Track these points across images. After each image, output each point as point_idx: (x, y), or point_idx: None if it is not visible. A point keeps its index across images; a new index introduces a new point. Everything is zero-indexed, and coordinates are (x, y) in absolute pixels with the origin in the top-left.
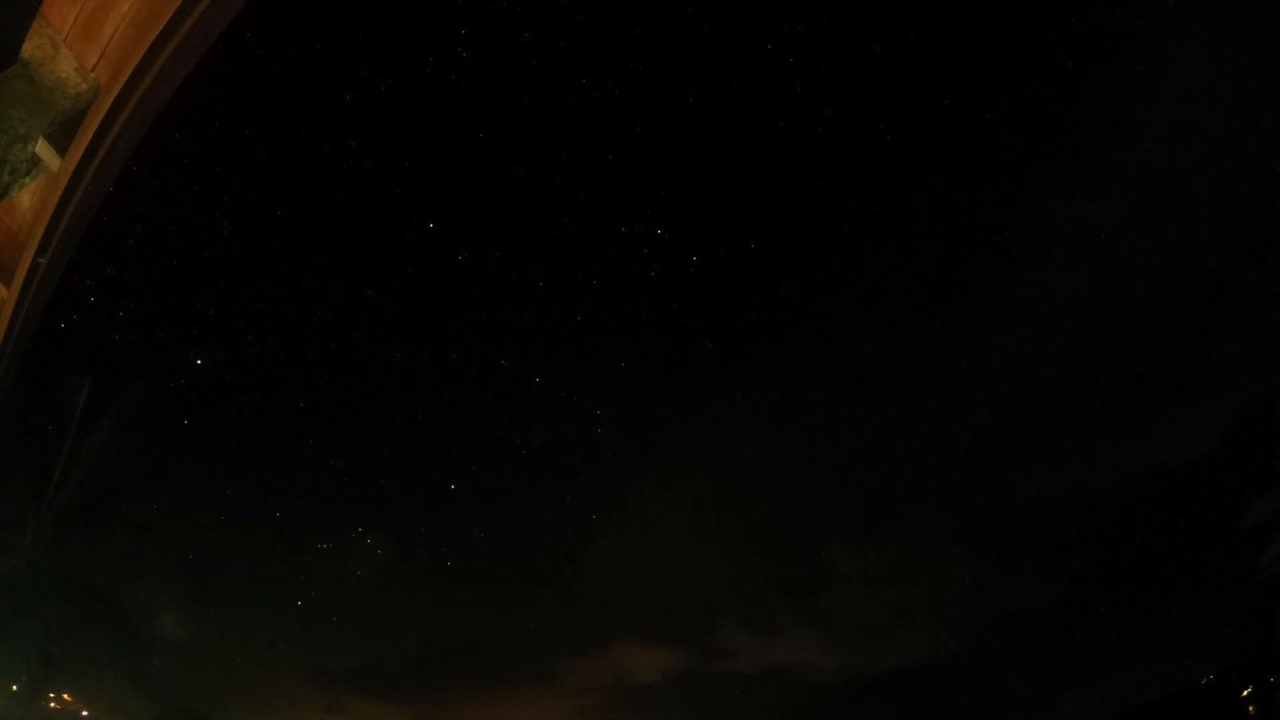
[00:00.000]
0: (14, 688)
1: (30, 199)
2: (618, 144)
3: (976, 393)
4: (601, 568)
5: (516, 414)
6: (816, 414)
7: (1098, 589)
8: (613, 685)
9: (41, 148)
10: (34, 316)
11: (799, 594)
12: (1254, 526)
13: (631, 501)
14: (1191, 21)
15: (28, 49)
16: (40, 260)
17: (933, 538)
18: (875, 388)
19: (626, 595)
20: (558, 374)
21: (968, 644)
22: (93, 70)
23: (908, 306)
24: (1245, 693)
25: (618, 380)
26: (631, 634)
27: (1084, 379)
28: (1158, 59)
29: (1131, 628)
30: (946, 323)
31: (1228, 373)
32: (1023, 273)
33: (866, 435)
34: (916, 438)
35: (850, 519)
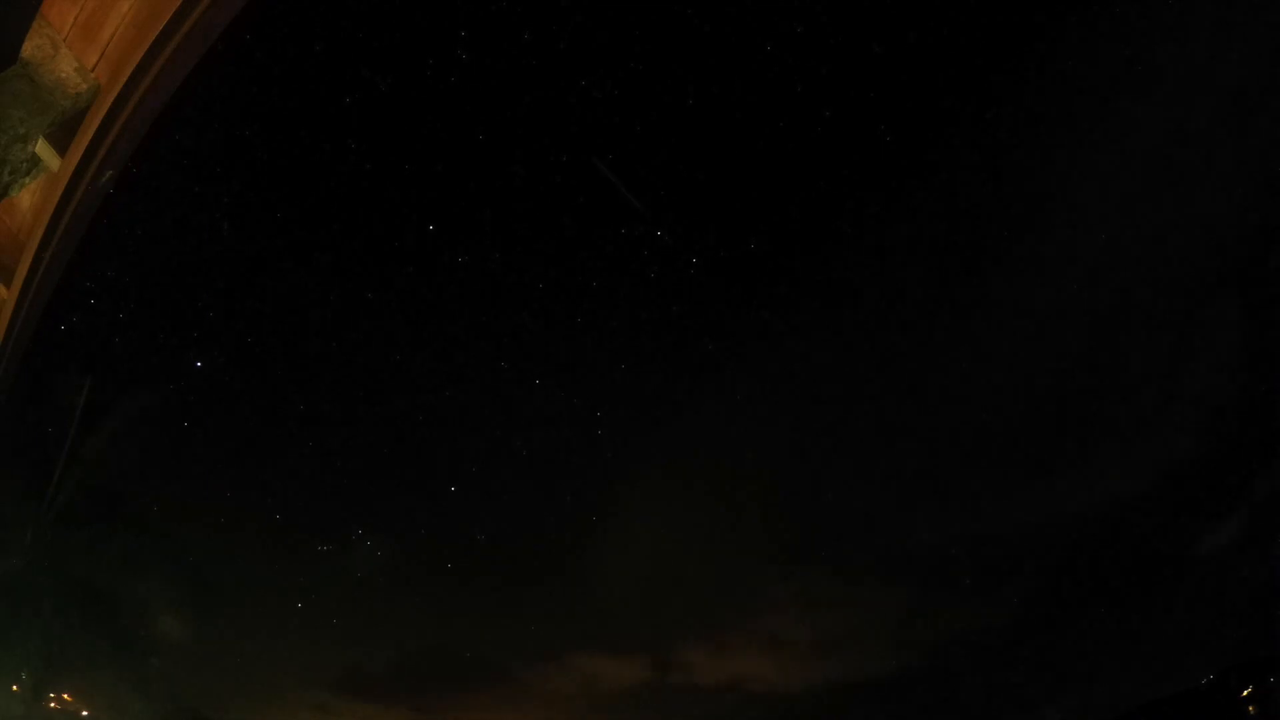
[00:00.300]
0: (14, 688)
1: (30, 199)
2: (617, 145)
3: (935, 426)
4: (595, 572)
5: (516, 416)
6: (799, 427)
7: (1048, 611)
8: (607, 690)
9: (41, 148)
10: (34, 316)
11: (749, 610)
12: (1207, 553)
13: (626, 505)
14: (1190, 22)
15: (28, 49)
16: (40, 260)
17: (883, 561)
18: (850, 405)
19: (615, 602)
20: (557, 376)
21: (928, 660)
22: (93, 70)
23: (898, 317)
24: (1245, 693)
25: (617, 382)
26: (616, 642)
27: (1031, 414)
28: (1156, 60)
29: (1081, 650)
30: (927, 340)
31: (1157, 416)
32: (1002, 291)
33: (830, 459)
34: (868, 467)
35: (807, 539)
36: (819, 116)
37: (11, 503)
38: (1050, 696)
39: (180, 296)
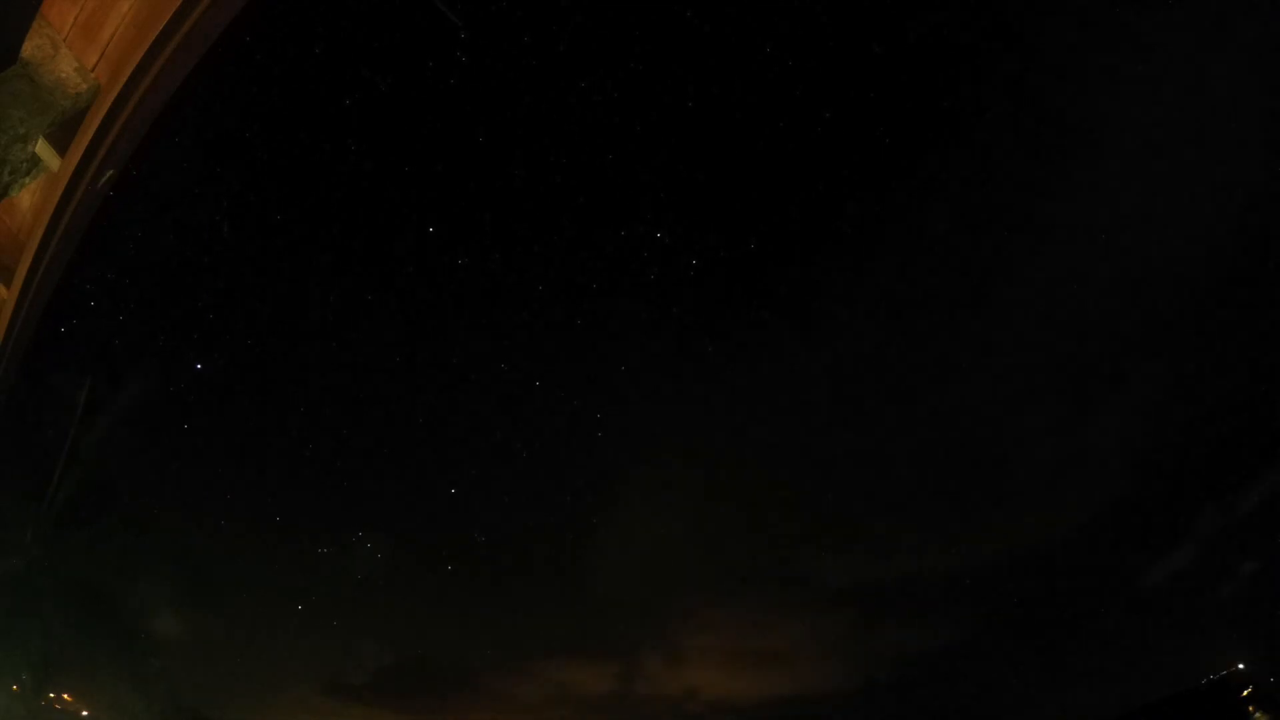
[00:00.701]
0: (14, 688)
1: (30, 199)
2: (617, 146)
3: (929, 439)
4: (590, 577)
5: (516, 417)
6: (793, 435)
7: (1047, 615)
8: (596, 696)
9: (41, 148)
10: (34, 316)
11: (743, 621)
12: (1154, 585)
13: (624, 509)
14: (1191, 21)
15: (28, 49)
16: (40, 260)
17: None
18: (841, 414)
19: (608, 606)
20: (557, 377)
21: (927, 665)
22: (93, 70)
23: (891, 325)
24: (1245, 693)
25: (617, 384)
26: (605, 648)
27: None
28: (1156, 59)
29: (1080, 651)
30: (922, 348)
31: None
32: (997, 302)
33: (821, 468)
34: (854, 481)
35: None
36: (819, 117)
37: (11, 503)
38: (1050, 697)
39: (180, 297)
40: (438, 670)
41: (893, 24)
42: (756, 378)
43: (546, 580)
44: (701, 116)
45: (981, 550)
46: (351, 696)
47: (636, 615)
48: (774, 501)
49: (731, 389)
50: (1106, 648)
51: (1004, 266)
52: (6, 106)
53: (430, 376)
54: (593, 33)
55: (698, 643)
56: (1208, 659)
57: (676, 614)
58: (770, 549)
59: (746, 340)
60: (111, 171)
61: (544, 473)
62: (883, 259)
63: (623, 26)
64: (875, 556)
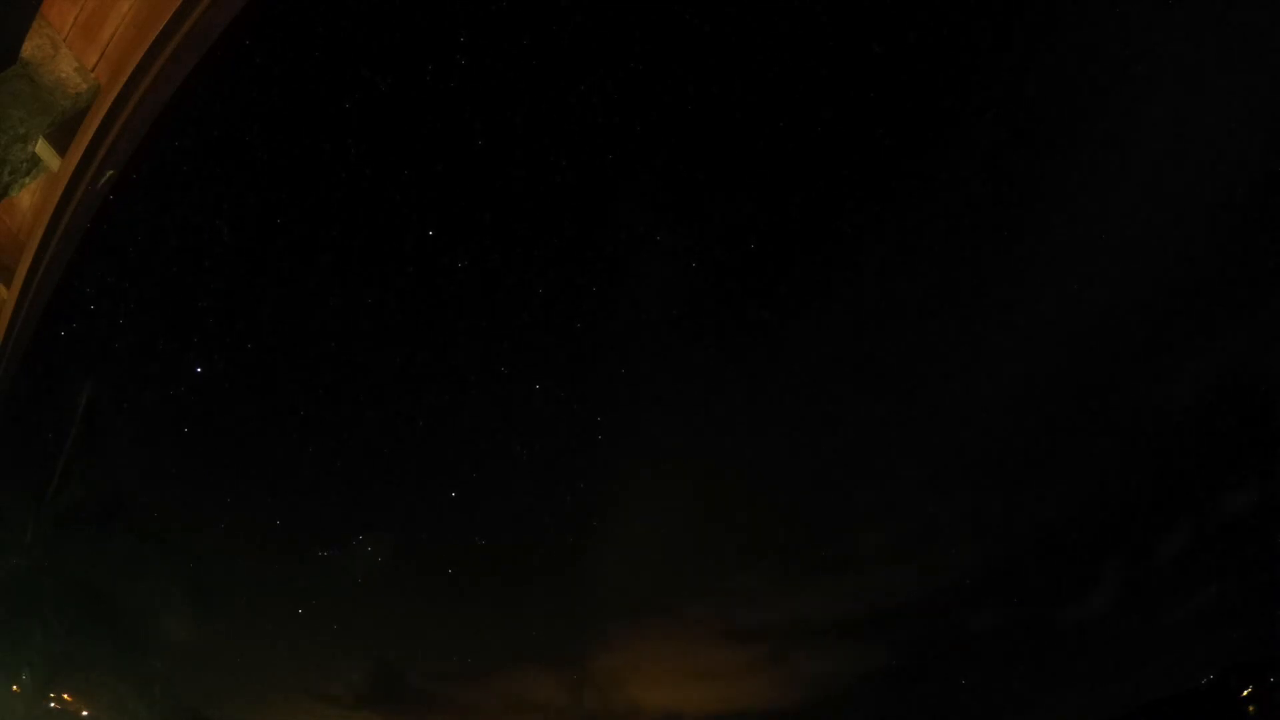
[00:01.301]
0: (14, 688)
1: (30, 199)
2: (617, 146)
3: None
4: (576, 584)
5: (516, 420)
6: (791, 439)
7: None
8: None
9: (41, 148)
10: (34, 316)
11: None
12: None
13: (624, 511)
14: (1191, 20)
15: (28, 49)
16: (40, 260)
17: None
18: (836, 420)
19: (578, 616)
20: (557, 378)
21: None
22: (93, 70)
23: (886, 327)
24: (1245, 693)
25: (617, 385)
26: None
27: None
28: (1157, 59)
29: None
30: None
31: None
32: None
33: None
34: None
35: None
36: (819, 117)
37: (11, 503)
38: (1049, 696)
39: (180, 298)
40: (429, 674)
41: (893, 24)
42: (750, 384)
43: (535, 587)
44: (701, 116)
45: (937, 579)
46: (349, 699)
47: (597, 626)
48: (746, 516)
49: (728, 393)
50: (1143, 634)
51: (975, 290)
52: (6, 106)
53: (430, 378)
54: (592, 33)
55: (650, 657)
56: (1212, 656)
57: (633, 628)
58: (730, 569)
59: (746, 342)
60: (111, 171)
61: (543, 475)
62: (887, 255)
63: (622, 26)
64: (847, 578)
